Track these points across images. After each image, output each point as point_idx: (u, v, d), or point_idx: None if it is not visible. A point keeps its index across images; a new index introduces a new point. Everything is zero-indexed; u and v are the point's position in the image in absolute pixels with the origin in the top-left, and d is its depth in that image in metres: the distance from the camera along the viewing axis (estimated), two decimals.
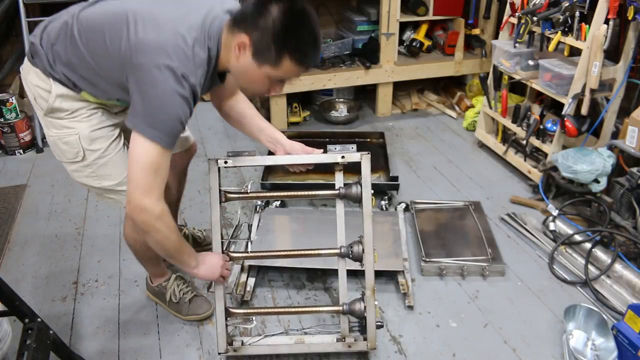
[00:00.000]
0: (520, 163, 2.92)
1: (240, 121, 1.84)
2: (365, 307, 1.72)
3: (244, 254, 1.94)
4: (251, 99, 3.96)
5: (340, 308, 1.75)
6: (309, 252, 1.80)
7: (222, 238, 1.73)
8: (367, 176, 1.68)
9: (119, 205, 1.74)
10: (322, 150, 1.74)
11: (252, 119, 1.82)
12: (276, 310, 2.02)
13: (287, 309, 2.00)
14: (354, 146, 1.74)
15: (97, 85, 1.50)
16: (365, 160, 1.68)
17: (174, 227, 1.50)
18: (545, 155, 2.73)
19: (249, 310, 1.87)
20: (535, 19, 2.64)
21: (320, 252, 1.77)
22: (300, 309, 1.97)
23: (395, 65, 3.56)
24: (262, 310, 2.00)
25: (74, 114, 1.56)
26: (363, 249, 1.70)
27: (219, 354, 1.77)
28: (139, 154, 1.36)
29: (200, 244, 2.33)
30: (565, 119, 2.55)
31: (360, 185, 1.69)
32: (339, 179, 1.76)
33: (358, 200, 1.70)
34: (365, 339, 1.75)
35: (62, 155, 1.63)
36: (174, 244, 1.53)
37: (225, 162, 1.69)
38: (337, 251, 1.75)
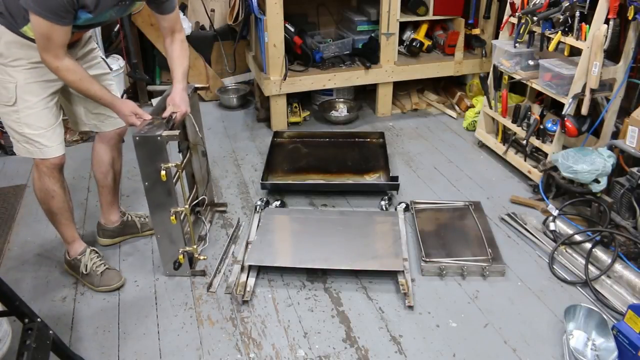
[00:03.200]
0: (520, 163, 2.92)
1: (168, 60, 2.15)
2: None
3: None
4: (252, 98, 3.98)
5: None
6: None
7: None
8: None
9: (31, 156, 1.98)
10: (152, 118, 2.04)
11: (172, 62, 2.12)
12: None
13: None
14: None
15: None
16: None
17: (80, 73, 1.84)
18: (546, 155, 2.73)
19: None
20: (535, 18, 2.64)
21: None
22: None
23: (395, 65, 3.56)
24: None
25: (15, 62, 1.83)
26: None
27: None
28: (34, 25, 1.69)
29: (139, 231, 2.47)
30: (565, 118, 2.54)
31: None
32: None
33: None
34: None
35: None
36: (82, 85, 1.86)
37: None
38: None
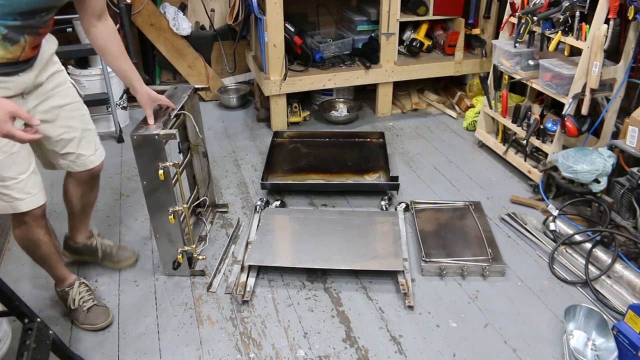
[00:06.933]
0: (520, 163, 2.92)
1: (104, 57, 1.85)
2: None
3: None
4: (252, 98, 3.95)
5: None
6: None
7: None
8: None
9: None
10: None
11: (114, 60, 1.82)
12: None
13: None
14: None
15: None
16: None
17: None
18: (546, 155, 2.73)
19: None
20: (535, 18, 2.64)
21: None
22: None
23: (395, 65, 3.56)
24: None
25: None
26: None
27: None
28: None
29: (98, 259, 2.25)
30: (565, 118, 2.54)
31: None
32: None
33: None
34: None
35: None
36: None
37: None
38: None
